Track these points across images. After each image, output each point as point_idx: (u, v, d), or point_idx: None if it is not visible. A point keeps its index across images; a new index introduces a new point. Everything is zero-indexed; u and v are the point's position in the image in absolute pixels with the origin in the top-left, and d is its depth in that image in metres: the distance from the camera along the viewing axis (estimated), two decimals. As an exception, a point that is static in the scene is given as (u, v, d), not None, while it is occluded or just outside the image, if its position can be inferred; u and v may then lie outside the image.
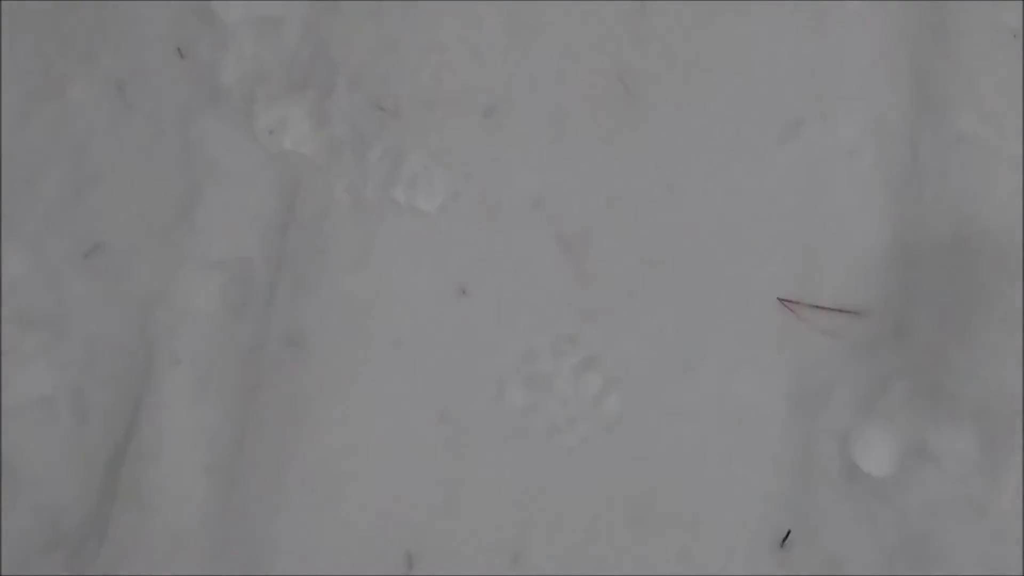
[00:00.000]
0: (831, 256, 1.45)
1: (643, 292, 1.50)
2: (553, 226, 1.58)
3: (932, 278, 1.40)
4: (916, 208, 1.42)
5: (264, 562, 1.43)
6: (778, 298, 1.45)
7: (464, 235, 1.61)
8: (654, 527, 1.38)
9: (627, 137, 1.60)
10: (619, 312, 1.50)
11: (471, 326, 1.55)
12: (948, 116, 1.43)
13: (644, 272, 1.52)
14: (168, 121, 1.67)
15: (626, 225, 1.55)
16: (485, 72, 1.69)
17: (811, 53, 1.54)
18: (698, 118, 1.57)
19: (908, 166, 1.44)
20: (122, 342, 1.50)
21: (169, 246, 1.59)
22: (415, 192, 1.65)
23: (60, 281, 1.50)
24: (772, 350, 1.43)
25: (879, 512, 1.32)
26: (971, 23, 1.48)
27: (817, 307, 1.42)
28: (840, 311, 1.41)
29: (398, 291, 1.60)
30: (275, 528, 1.45)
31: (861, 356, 1.39)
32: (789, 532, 1.31)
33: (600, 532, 1.39)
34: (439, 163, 1.65)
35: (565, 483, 1.43)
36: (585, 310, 1.52)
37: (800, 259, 1.46)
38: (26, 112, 1.57)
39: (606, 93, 1.63)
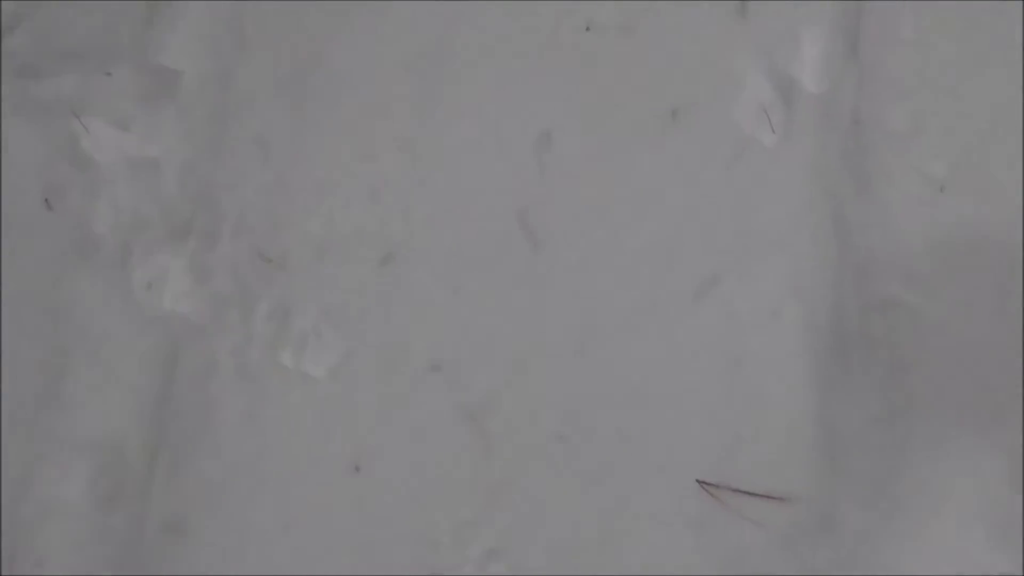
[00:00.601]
0: (753, 432, 1.31)
1: (552, 471, 1.36)
2: (454, 393, 1.44)
3: (862, 459, 1.27)
4: (843, 379, 1.30)
5: None
6: (697, 480, 1.32)
7: (358, 403, 1.46)
8: None
9: (532, 290, 1.46)
10: (526, 494, 1.37)
11: (366, 508, 1.41)
12: (874, 277, 1.31)
13: (553, 447, 1.38)
14: (34, 282, 1.53)
15: (533, 393, 1.40)
16: (380, 214, 1.55)
17: (726, 197, 1.39)
18: (607, 270, 1.43)
19: (834, 331, 1.31)
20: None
21: (32, 426, 1.45)
22: (304, 355, 1.51)
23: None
24: (691, 539, 1.30)
25: None
26: (894, 169, 1.35)
27: (739, 491, 1.29)
28: (764, 496, 1.28)
29: (287, 467, 1.46)
30: None
31: (787, 548, 1.26)
32: None
33: None
34: (330, 321, 1.51)
35: None
36: (489, 490, 1.38)
37: (720, 435, 1.32)
38: None
39: (508, 238, 1.49)
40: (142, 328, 1.49)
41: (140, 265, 1.55)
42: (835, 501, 1.27)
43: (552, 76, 1.59)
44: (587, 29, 1.60)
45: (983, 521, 1.22)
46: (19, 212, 1.53)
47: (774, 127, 1.45)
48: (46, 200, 1.53)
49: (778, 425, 1.32)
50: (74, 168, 1.57)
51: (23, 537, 1.39)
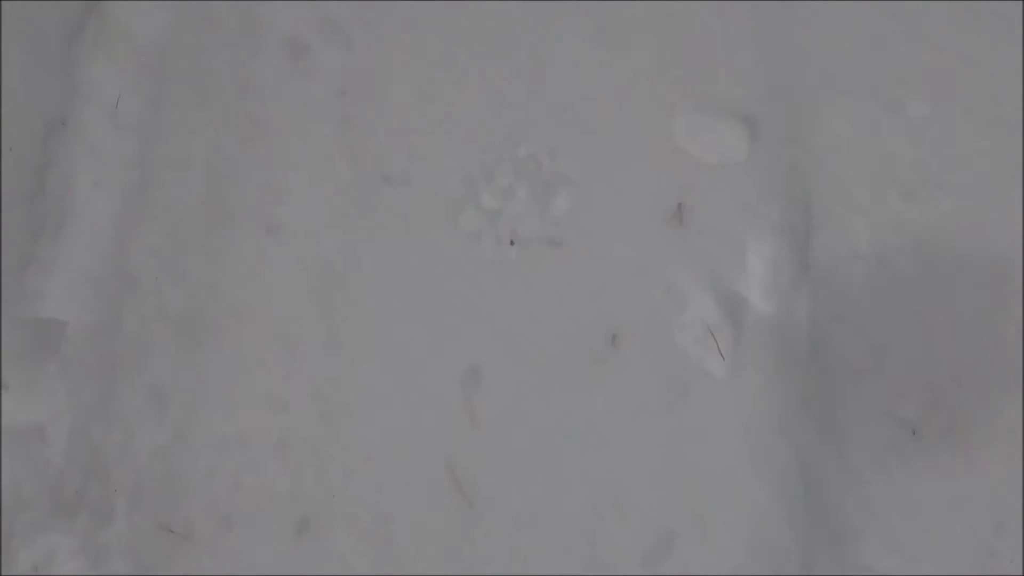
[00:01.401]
0: None
1: None
2: None
3: None
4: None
5: None
6: None
7: None
8: None
9: (463, 552, 1.30)
10: None
11: None
12: (848, 542, 1.17)
13: None
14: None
15: None
16: (293, 473, 1.40)
17: (674, 439, 1.26)
18: (546, 525, 1.28)
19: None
20: None
21: None
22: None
23: None
24: None
25: None
26: (862, 413, 1.22)
27: None
28: None
29: None
30: None
31: None
32: None
33: None
34: (243, 607, 1.34)
35: None
36: None
37: None
38: None
39: (439, 495, 1.34)
40: (28, 629, 1.32)
41: (24, 547, 1.38)
42: None
43: (475, 301, 1.45)
44: (511, 243, 1.47)
45: None
46: None
47: (723, 352, 1.33)
48: None
49: None
50: None
51: None
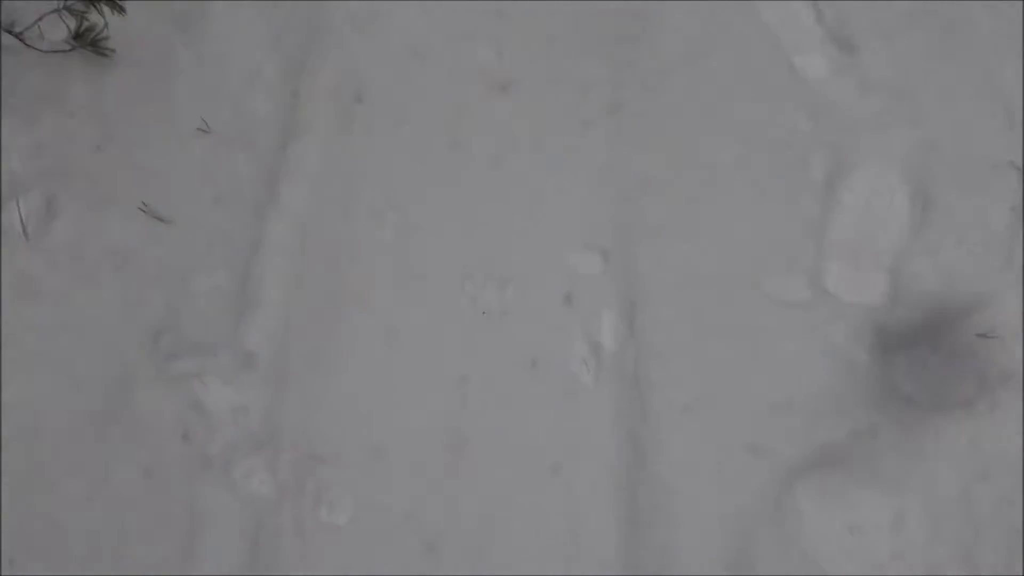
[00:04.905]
0: None
1: None
2: None
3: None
4: None
5: None
6: None
7: None
8: None
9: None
10: None
11: None
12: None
13: None
14: (175, 489, 2.60)
15: None
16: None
17: (563, 426, 2.63)
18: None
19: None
20: None
21: None
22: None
23: None
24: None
25: None
26: (657, 409, 2.60)
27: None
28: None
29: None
30: None
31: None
32: None
33: None
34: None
35: None
36: None
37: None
38: None
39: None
40: (238, 506, 2.55)
41: (237, 467, 2.62)
42: None
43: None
44: (483, 313, 2.80)
45: None
46: (163, 444, 2.59)
47: (591, 374, 2.64)
48: (183, 435, 2.61)
49: None
50: (197, 414, 2.65)
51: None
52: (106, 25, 2.80)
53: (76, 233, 2.69)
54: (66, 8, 2.75)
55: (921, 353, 2.64)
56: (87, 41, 2.79)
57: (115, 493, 2.50)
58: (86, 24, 2.78)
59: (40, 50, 2.81)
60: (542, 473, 2.53)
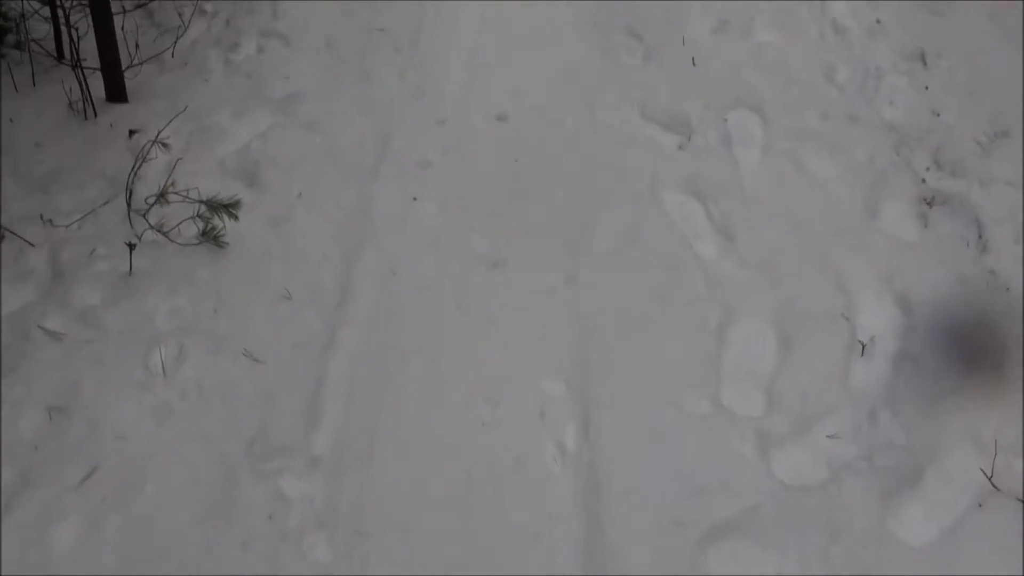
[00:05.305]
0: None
1: None
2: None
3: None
4: None
5: None
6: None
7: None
8: None
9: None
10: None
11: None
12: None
13: None
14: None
15: None
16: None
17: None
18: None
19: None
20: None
21: None
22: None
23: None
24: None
25: None
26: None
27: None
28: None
29: None
30: None
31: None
32: None
33: None
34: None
35: None
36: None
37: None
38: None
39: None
40: (306, 568, 3.52)
41: (306, 540, 3.60)
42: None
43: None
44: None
45: None
46: (255, 523, 3.59)
47: (560, 467, 3.72)
48: (268, 516, 3.60)
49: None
50: (279, 500, 3.66)
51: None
52: (224, 226, 4.10)
53: (199, 371, 3.82)
54: (198, 215, 4.05)
55: (791, 449, 3.75)
56: (211, 237, 4.10)
57: (219, 561, 3.47)
58: (210, 225, 4.08)
59: (178, 243, 4.11)
60: (526, 539, 3.53)
